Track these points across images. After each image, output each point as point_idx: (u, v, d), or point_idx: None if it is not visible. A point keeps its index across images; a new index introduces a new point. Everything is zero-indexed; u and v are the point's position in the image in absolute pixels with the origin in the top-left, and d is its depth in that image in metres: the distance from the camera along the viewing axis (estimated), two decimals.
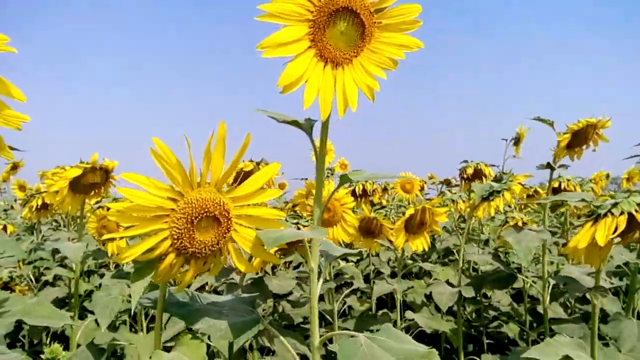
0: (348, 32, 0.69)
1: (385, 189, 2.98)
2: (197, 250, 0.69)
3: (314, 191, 0.80)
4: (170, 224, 0.68)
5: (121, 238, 1.45)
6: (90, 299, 1.41)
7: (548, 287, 1.63)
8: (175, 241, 0.68)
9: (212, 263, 0.73)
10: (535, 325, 2.11)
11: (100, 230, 1.58)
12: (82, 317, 1.71)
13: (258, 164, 1.51)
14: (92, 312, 1.47)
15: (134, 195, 0.66)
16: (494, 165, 2.19)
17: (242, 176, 0.76)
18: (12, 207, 4.01)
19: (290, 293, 1.83)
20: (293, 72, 0.67)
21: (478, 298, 2.18)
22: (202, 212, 0.68)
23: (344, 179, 0.77)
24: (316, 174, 0.77)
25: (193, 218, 0.68)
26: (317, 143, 0.76)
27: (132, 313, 1.73)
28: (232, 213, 0.70)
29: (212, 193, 0.69)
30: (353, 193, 2.19)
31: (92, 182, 1.40)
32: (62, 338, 2.00)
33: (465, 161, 2.17)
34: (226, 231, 0.70)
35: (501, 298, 2.30)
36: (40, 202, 2.14)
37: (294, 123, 0.78)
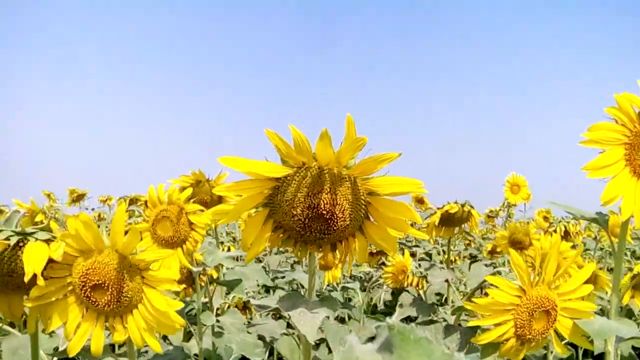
0: None
1: None
2: (532, 337, 0.88)
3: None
4: (515, 315, 0.87)
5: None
6: None
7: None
8: (518, 329, 0.87)
9: (537, 346, 0.92)
10: None
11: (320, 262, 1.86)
12: None
13: (463, 205, 1.65)
14: None
15: (495, 294, 0.86)
16: None
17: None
18: None
19: None
20: (612, 190, 0.84)
21: None
22: (540, 306, 0.87)
23: None
24: (615, 262, 0.94)
25: (532, 311, 0.87)
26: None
27: None
28: (559, 306, 0.89)
29: (545, 291, 0.88)
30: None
31: None
32: None
33: None
34: (554, 321, 0.89)
35: None
36: None
37: (594, 220, 0.96)
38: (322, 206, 0.65)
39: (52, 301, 0.75)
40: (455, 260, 3.36)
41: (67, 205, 3.80)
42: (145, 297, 0.75)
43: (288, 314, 0.73)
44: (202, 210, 1.18)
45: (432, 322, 2.45)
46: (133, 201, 2.58)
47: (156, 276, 0.74)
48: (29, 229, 0.73)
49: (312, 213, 0.66)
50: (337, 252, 0.75)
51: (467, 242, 3.74)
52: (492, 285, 0.87)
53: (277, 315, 2.27)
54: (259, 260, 2.60)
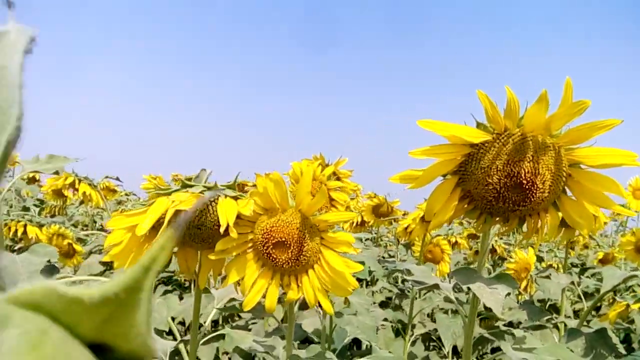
0: None
1: None
2: None
3: None
4: None
5: None
6: None
7: None
8: None
9: None
10: None
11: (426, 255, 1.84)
12: None
13: None
14: None
15: None
16: None
17: None
18: None
19: None
20: None
21: None
22: None
23: None
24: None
25: None
26: None
27: None
28: None
29: None
30: None
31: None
32: None
33: None
34: None
35: None
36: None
37: None
38: (522, 175, 0.63)
39: (233, 256, 0.79)
40: (557, 267, 3.17)
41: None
42: (322, 258, 0.77)
43: (467, 287, 0.72)
44: (341, 188, 1.20)
45: (540, 327, 2.35)
46: (240, 186, 2.68)
47: (335, 238, 0.75)
48: (220, 185, 0.77)
49: (510, 182, 0.64)
50: (524, 226, 0.72)
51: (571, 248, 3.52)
52: None
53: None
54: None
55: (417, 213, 1.72)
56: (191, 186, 0.77)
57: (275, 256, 0.76)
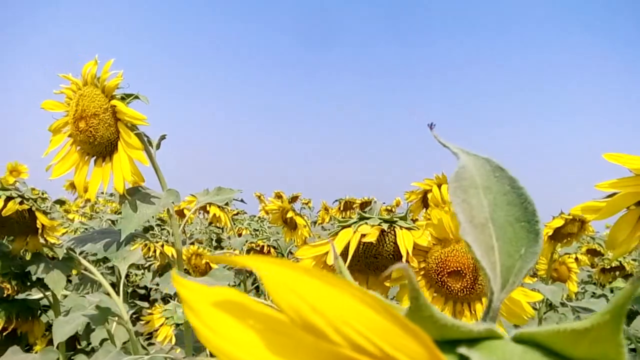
0: None
1: None
2: None
3: None
4: None
5: None
6: None
7: None
8: None
9: None
10: None
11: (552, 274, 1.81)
12: None
13: None
14: None
15: None
16: None
17: None
18: None
19: None
20: None
21: None
22: None
23: None
24: None
25: None
26: None
27: None
28: None
29: None
30: None
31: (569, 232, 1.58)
32: None
33: None
34: None
35: None
36: None
37: None
38: None
39: (404, 283, 0.84)
40: None
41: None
42: None
43: None
44: None
45: None
46: (348, 204, 2.76)
47: None
48: (395, 217, 0.83)
49: None
50: None
51: None
52: None
53: None
54: None
55: (545, 231, 1.69)
56: (368, 218, 0.84)
57: (449, 284, 0.80)
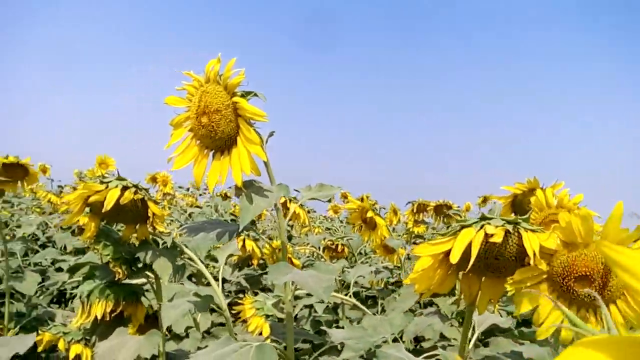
0: None
1: None
2: None
3: None
4: None
5: None
6: None
7: None
8: None
9: None
10: None
11: None
12: None
13: None
14: None
15: None
16: None
17: None
18: None
19: None
20: None
21: None
22: None
23: None
24: None
25: None
26: None
27: None
28: None
29: None
30: None
31: None
32: None
33: None
34: None
35: None
36: None
37: None
38: None
39: (527, 285, 0.83)
40: None
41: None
42: (627, 294, 0.77)
43: None
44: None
45: None
46: (421, 207, 2.73)
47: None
48: (519, 219, 0.82)
49: None
50: None
51: None
52: None
53: None
54: None
55: None
56: (490, 218, 0.83)
57: (576, 289, 0.78)
